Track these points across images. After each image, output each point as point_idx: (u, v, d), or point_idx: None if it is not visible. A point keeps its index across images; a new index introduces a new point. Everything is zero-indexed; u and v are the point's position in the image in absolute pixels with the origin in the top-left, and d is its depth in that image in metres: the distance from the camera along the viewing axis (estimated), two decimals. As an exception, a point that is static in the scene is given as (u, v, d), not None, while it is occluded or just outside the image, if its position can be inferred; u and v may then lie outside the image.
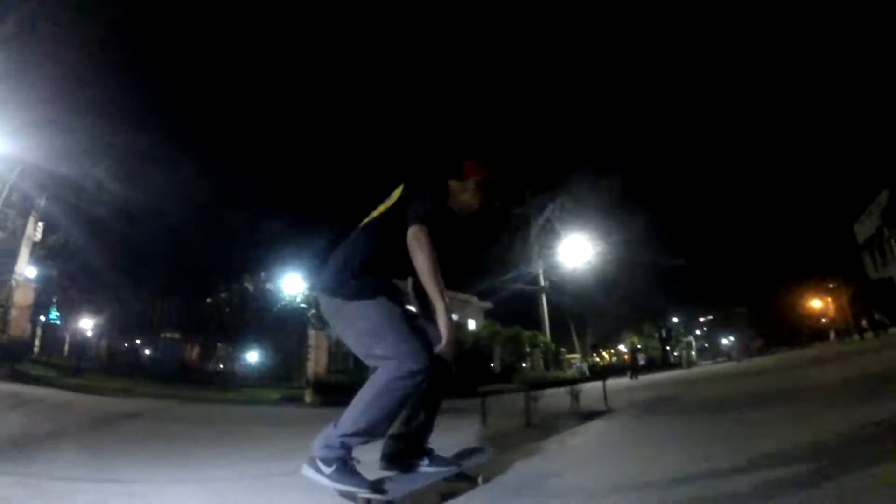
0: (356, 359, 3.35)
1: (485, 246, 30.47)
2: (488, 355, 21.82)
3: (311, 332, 15.53)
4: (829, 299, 72.27)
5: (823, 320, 69.95)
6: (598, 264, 34.33)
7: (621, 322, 59.87)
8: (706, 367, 29.73)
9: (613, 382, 19.00)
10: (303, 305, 21.62)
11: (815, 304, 71.28)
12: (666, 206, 69.06)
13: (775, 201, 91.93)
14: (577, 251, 31.97)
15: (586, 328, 55.02)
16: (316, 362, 15.16)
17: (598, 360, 57.03)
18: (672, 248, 53.56)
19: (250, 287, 32.02)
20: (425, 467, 2.76)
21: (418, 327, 2.62)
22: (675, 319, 64.74)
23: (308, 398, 14.05)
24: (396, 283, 2.74)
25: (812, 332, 63.97)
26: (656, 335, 62.22)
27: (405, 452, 2.77)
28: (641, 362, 34.59)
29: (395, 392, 2.38)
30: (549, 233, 32.06)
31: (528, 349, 25.96)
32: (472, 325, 33.62)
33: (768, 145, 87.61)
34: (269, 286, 31.42)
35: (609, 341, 79.19)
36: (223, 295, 32.72)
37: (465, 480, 2.93)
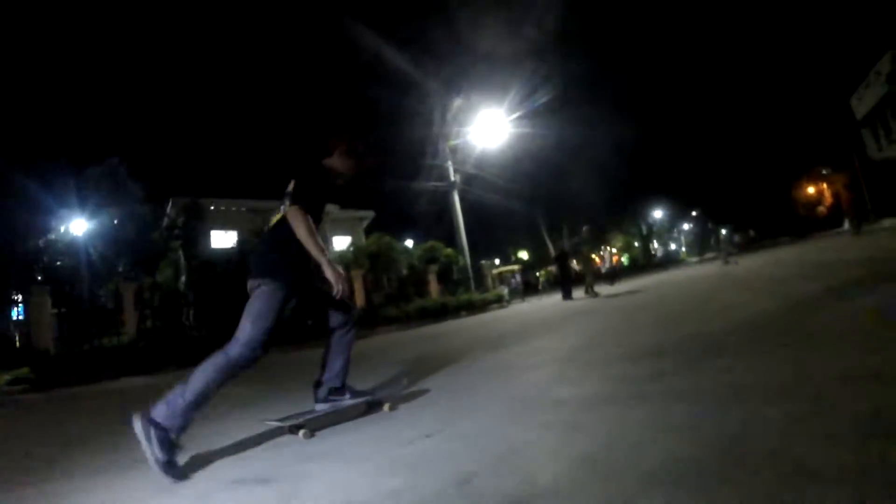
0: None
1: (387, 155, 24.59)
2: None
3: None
4: (825, 185, 68.39)
5: (820, 208, 66.05)
6: (542, 144, 28.73)
7: (599, 223, 56.24)
8: (684, 271, 23.94)
9: (519, 310, 15.82)
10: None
11: (810, 191, 67.71)
12: (635, 73, 61.12)
13: (761, 77, 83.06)
14: (500, 127, 24.74)
15: (560, 232, 51.06)
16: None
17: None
18: (645, 129, 48.59)
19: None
20: (348, 400, 3.50)
21: (321, 292, 3.41)
22: (657, 215, 60.11)
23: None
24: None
25: (809, 221, 58.79)
26: (635, 232, 57.67)
27: (332, 392, 3.50)
28: (607, 264, 29.76)
29: (230, 375, 2.92)
30: (463, 113, 24.42)
31: (407, 267, 21.35)
32: (341, 243, 28.44)
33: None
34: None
35: (591, 246, 76.11)
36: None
37: (377, 406, 3.56)
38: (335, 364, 3.51)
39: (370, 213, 33.13)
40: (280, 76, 79.71)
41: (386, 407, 3.49)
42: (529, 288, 32.35)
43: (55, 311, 12.87)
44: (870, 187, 46.17)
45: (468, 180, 25.15)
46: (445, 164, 23.64)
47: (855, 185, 50.00)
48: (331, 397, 3.49)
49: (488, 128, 24.05)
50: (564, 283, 15.50)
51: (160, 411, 2.67)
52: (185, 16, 68.79)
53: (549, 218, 47.81)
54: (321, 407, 3.46)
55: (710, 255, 48.53)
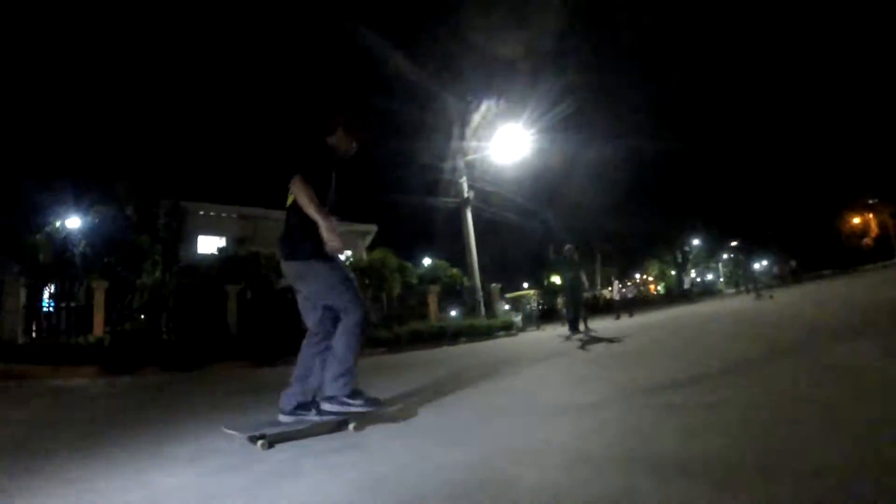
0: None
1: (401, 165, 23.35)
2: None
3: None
4: (871, 216, 65.22)
5: (866, 240, 62.77)
6: (566, 162, 26.67)
7: (634, 250, 54.18)
8: (711, 305, 21.23)
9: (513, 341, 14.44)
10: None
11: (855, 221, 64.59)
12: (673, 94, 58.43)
13: (807, 101, 79.73)
14: (520, 142, 22.79)
15: (594, 257, 49.25)
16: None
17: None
18: (683, 150, 46.81)
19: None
20: (314, 416, 3.45)
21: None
22: (696, 242, 57.90)
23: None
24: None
25: (854, 253, 55.65)
26: (670, 260, 55.49)
27: (300, 406, 3.49)
28: (615, 296, 27.96)
29: (360, 334, 3.44)
30: (482, 126, 22.77)
31: (398, 284, 19.46)
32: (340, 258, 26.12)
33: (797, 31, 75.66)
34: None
35: (625, 273, 73.64)
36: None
37: (343, 425, 3.52)
38: (306, 379, 3.54)
39: (373, 227, 31.31)
40: (287, 82, 79.14)
41: (351, 427, 3.50)
42: (552, 314, 30.52)
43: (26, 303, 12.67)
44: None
45: (484, 198, 23.88)
46: (460, 179, 22.49)
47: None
48: (297, 411, 3.50)
49: (508, 143, 22.55)
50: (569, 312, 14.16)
51: (329, 388, 3.37)
52: (193, 19, 69.37)
53: (576, 241, 46.50)
54: (286, 419, 3.47)
55: (742, 287, 46.41)
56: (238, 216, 26.24)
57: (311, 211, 3.32)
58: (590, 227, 46.39)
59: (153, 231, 20.82)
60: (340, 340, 3.39)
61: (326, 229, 3.31)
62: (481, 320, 19.25)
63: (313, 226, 3.35)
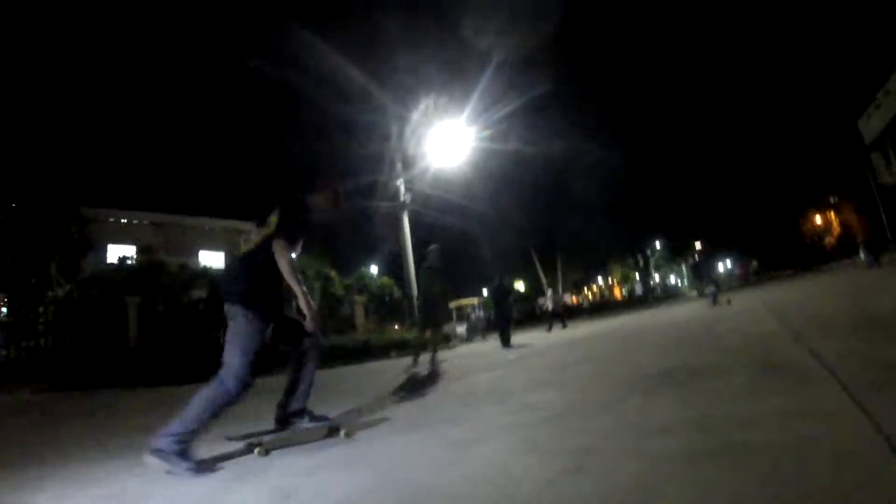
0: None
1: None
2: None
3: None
4: (832, 214, 64.90)
5: (828, 239, 62.31)
6: (519, 164, 25.06)
7: (595, 253, 52.85)
8: (664, 311, 19.18)
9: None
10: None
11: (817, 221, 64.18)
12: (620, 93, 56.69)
13: (764, 100, 79.09)
14: (464, 143, 20.54)
15: (556, 262, 47.65)
16: None
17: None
18: (640, 151, 45.60)
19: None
20: (306, 423, 3.65)
21: (292, 320, 3.64)
22: (658, 245, 56.69)
23: None
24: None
25: (817, 251, 54.77)
26: (631, 264, 54.17)
27: (291, 415, 3.64)
28: (548, 305, 24.94)
29: (223, 404, 3.22)
30: (424, 128, 20.39)
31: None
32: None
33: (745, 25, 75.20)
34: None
35: (589, 277, 72.44)
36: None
37: (334, 432, 3.67)
38: (296, 388, 3.68)
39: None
40: (205, 79, 74.73)
41: (342, 433, 3.61)
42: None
43: None
44: (887, 214, 42.79)
45: (425, 201, 21.86)
46: (397, 181, 20.36)
47: (869, 211, 46.54)
48: (291, 419, 3.65)
49: (450, 142, 20.27)
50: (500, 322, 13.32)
51: (161, 441, 3.06)
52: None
53: (536, 244, 44.96)
54: (278, 427, 3.65)
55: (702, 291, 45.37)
56: (150, 223, 24.25)
57: (293, 282, 3.38)
58: (548, 229, 44.84)
59: (53, 241, 18.58)
60: (204, 394, 3.22)
61: (309, 311, 3.41)
62: (412, 332, 17.24)
63: (267, 285, 3.43)
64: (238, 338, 3.30)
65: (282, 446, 3.46)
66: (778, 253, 59.95)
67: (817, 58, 63.81)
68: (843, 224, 61.99)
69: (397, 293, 20.05)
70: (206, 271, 18.95)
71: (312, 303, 3.43)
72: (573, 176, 40.79)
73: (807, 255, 53.34)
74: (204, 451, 3.31)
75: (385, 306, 19.73)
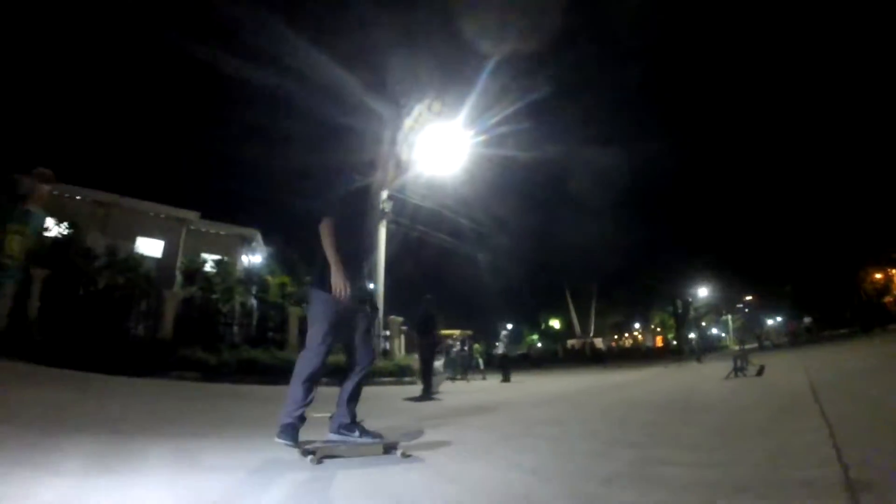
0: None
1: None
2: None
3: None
4: (894, 272, 60.03)
5: (887, 298, 57.20)
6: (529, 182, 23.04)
7: (634, 300, 49.79)
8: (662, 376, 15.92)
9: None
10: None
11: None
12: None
13: (828, 151, 73.76)
14: (460, 150, 17.63)
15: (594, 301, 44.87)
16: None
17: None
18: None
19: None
20: (357, 437, 3.82)
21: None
22: (702, 294, 52.92)
23: None
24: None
25: (877, 310, 49.49)
26: (670, 312, 50.64)
27: (341, 427, 3.85)
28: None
29: (308, 377, 3.66)
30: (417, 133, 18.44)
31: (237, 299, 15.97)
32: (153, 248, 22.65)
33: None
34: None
35: (625, 323, 68.57)
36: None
37: (391, 450, 3.80)
38: (346, 401, 3.90)
39: (254, 232, 27.13)
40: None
41: (399, 452, 3.73)
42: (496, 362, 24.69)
43: None
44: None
45: (414, 214, 20.02)
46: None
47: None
48: (342, 430, 3.85)
49: (444, 148, 17.78)
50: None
51: (284, 417, 3.57)
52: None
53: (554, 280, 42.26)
54: (333, 437, 3.85)
55: (749, 344, 41.75)
56: (94, 201, 22.09)
57: (330, 254, 3.73)
58: (586, 268, 42.20)
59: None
60: (294, 378, 3.68)
61: (337, 277, 3.69)
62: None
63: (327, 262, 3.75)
64: (310, 313, 3.86)
65: (335, 456, 3.59)
66: (834, 310, 55.13)
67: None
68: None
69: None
70: (133, 259, 17.07)
71: (342, 274, 3.67)
72: (617, 214, 38.31)
73: (867, 314, 48.49)
74: (259, 457, 3.55)
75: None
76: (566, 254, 39.54)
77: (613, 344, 60.19)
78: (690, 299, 50.86)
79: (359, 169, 4.02)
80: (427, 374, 10.82)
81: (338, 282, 3.63)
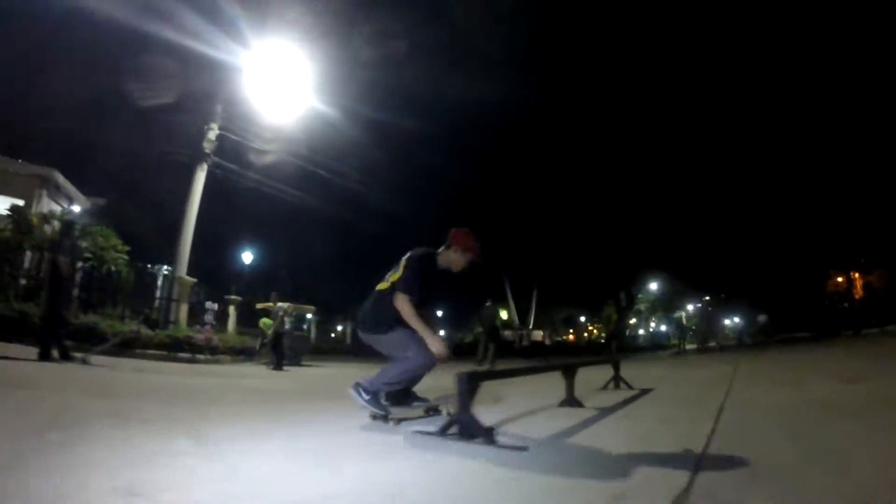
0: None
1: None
2: None
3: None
4: (857, 276, 57.20)
5: (845, 305, 53.68)
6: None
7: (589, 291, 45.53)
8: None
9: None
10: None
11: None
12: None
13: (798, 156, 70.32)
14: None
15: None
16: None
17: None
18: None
19: None
20: (415, 402, 4.56)
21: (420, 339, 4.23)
22: (652, 287, 49.10)
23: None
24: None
25: (838, 314, 45.26)
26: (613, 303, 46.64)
27: (404, 395, 4.50)
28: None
29: (415, 372, 4.22)
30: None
31: None
32: None
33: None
34: None
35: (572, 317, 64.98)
36: None
37: (437, 411, 4.57)
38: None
39: (101, 201, 23.79)
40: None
41: (444, 412, 4.51)
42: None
43: None
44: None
45: (256, 158, 15.53)
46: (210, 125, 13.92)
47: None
48: (405, 400, 4.54)
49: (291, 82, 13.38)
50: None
51: (365, 382, 4.21)
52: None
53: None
54: (417, 404, 4.60)
55: (712, 343, 37.96)
56: (32, 175, 19.65)
57: (416, 325, 4.12)
58: (526, 257, 38.19)
59: None
60: (400, 364, 4.18)
61: (437, 346, 4.10)
62: (122, 325, 12.54)
63: (392, 311, 4.19)
64: (396, 347, 4.26)
65: (405, 419, 4.26)
66: (794, 312, 51.00)
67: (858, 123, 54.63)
68: (865, 287, 54.70)
69: (126, 272, 14.25)
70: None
71: (435, 336, 4.15)
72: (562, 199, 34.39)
73: (826, 318, 44.23)
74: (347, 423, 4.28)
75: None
76: (504, 243, 35.44)
77: (555, 338, 57.00)
78: (639, 293, 47.09)
79: (439, 254, 4.40)
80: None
81: (437, 346, 4.08)
